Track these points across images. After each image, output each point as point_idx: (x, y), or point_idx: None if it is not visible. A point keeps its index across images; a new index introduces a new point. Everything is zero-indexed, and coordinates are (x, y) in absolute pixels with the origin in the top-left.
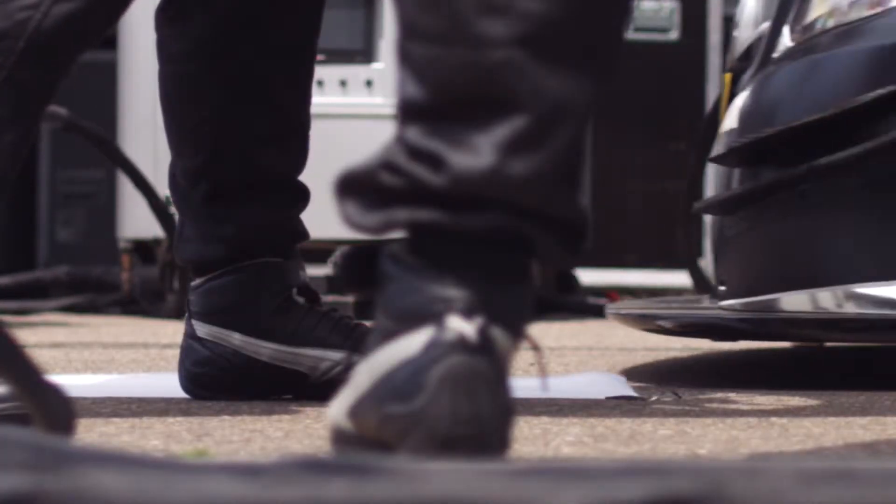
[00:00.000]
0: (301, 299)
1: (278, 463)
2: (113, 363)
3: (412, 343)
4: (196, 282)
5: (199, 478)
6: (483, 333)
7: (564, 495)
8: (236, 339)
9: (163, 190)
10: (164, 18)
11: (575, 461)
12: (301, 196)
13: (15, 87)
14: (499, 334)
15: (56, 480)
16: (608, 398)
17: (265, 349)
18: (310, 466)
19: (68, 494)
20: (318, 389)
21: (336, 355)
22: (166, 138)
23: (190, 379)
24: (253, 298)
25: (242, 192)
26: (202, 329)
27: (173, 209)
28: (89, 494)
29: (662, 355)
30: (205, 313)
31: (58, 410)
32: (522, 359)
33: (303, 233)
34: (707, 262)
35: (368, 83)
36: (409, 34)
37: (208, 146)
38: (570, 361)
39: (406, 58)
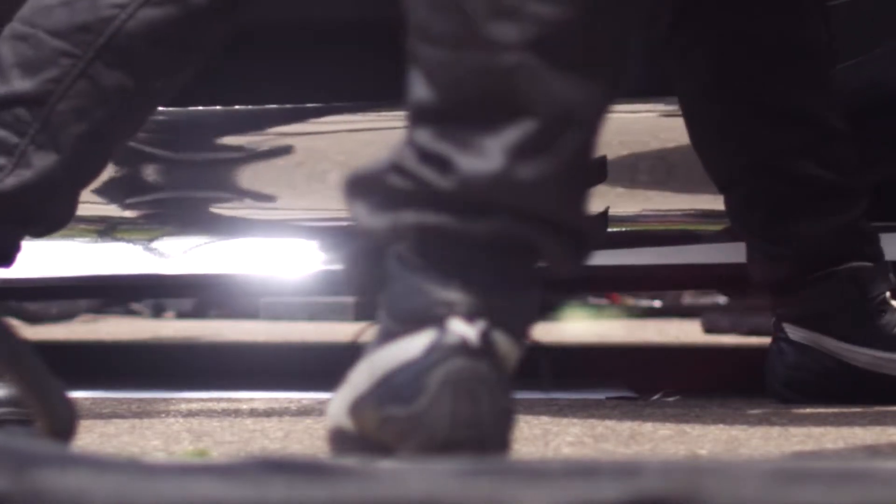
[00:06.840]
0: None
1: (245, 463)
2: (113, 363)
3: (413, 345)
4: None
5: (167, 478)
6: (485, 337)
7: (535, 495)
8: (831, 344)
9: None
10: (670, 54)
11: (548, 461)
12: (856, 196)
13: (90, 81)
14: (501, 338)
15: (22, 482)
16: (608, 398)
17: (863, 355)
18: (273, 466)
19: (33, 497)
20: None
21: None
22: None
23: (783, 382)
24: (846, 303)
25: (798, 205)
26: (795, 333)
27: None
28: (54, 496)
29: (663, 354)
30: (798, 317)
31: (63, 413)
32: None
33: (873, 235)
34: None
35: None
36: (420, 36)
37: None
38: (570, 361)
39: (417, 60)
